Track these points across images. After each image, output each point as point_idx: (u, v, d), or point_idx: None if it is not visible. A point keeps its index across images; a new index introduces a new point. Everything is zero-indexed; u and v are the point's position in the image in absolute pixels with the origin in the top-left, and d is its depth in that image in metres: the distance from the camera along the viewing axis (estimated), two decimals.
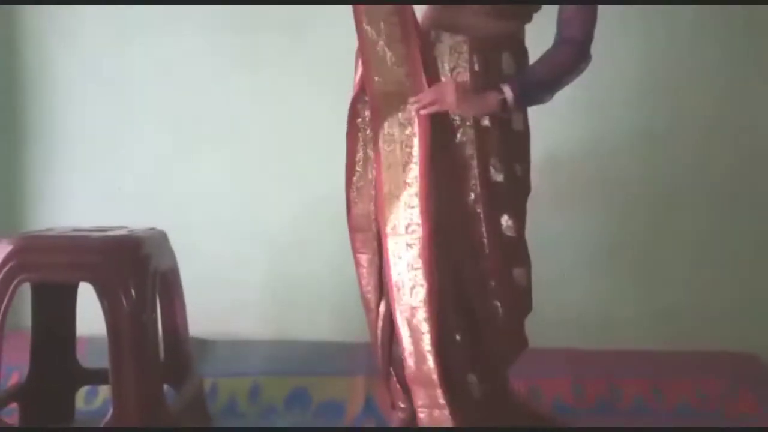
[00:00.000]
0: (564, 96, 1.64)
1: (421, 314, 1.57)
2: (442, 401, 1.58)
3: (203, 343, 2.29)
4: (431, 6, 1.71)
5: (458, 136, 1.65)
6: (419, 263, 1.56)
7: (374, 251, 1.74)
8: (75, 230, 1.76)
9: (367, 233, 1.75)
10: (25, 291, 1.81)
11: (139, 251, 1.66)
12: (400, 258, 1.59)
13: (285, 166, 2.47)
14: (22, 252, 1.63)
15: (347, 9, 1.62)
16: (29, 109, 2.56)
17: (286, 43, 2.45)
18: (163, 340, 1.84)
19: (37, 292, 1.85)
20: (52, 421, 1.85)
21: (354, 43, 1.66)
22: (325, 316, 2.45)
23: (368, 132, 1.71)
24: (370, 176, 1.73)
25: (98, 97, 2.52)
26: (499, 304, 1.66)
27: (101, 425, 1.59)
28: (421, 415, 1.62)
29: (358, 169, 1.74)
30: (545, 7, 1.65)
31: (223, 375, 2.19)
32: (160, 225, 1.87)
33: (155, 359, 1.70)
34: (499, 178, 1.65)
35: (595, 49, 1.59)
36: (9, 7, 2.52)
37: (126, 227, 1.79)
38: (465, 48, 1.63)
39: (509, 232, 1.66)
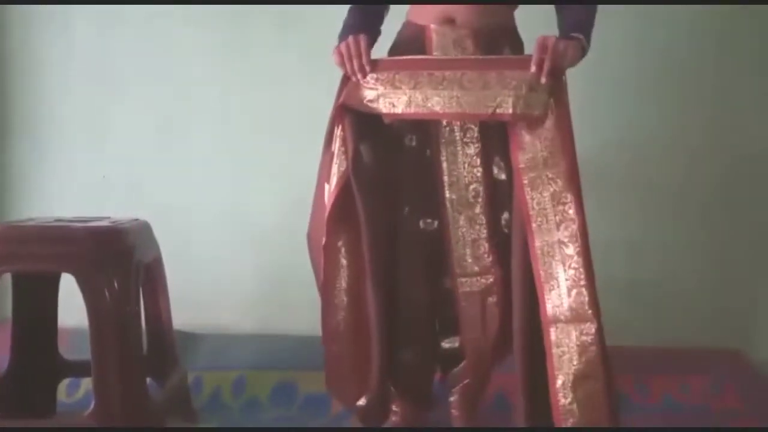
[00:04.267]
0: None
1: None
2: None
3: (187, 336, 2.27)
4: None
5: (463, 134, 1.64)
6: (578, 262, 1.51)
7: None
8: (57, 220, 1.74)
9: None
10: (6, 281, 1.78)
11: (121, 242, 1.64)
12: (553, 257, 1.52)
13: (273, 156, 2.44)
14: (2, 242, 1.61)
15: None
16: (12, 97, 2.52)
17: (276, 30, 2.43)
18: (146, 333, 1.83)
19: (18, 282, 1.82)
20: (33, 412, 1.82)
21: None
22: (311, 309, 2.42)
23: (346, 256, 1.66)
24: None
25: (82, 84, 2.49)
26: (496, 300, 1.66)
27: (83, 418, 1.57)
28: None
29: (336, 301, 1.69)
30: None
31: (208, 368, 2.18)
32: (144, 215, 1.85)
33: (138, 352, 1.69)
34: (502, 176, 1.65)
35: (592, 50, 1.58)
36: None
37: (109, 218, 1.77)
38: (469, 42, 1.61)
39: (507, 229, 1.66)
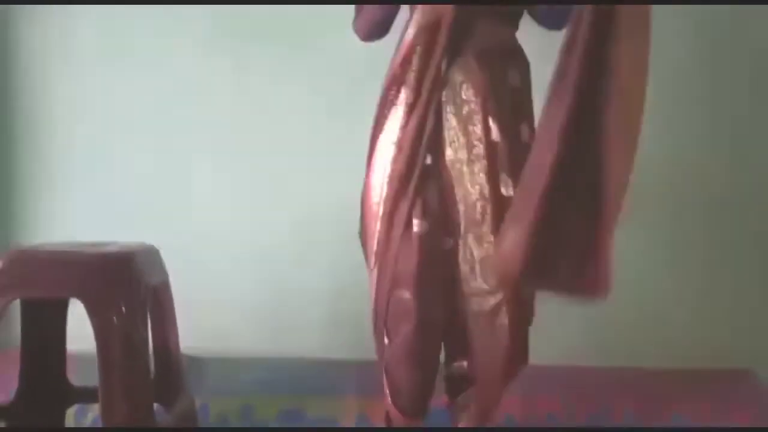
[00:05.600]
0: None
1: None
2: None
3: (194, 361, 2.27)
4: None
5: (469, 152, 1.66)
6: None
7: None
8: (65, 245, 1.75)
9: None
10: (15, 308, 1.79)
11: (130, 267, 1.64)
12: None
13: (280, 180, 2.46)
14: (12, 268, 1.62)
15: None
16: (19, 122, 2.56)
17: (282, 54, 2.45)
18: (153, 358, 1.82)
19: (27, 308, 1.83)
20: None
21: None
22: (318, 334, 2.43)
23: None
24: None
25: (90, 109, 2.53)
26: (506, 320, 1.66)
27: None
28: None
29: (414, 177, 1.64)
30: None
31: (215, 394, 2.17)
32: (151, 240, 1.86)
33: (145, 377, 1.68)
34: (509, 192, 1.66)
35: None
36: (2, 18, 2.52)
37: (117, 242, 1.78)
38: (472, 61, 1.62)
39: None
